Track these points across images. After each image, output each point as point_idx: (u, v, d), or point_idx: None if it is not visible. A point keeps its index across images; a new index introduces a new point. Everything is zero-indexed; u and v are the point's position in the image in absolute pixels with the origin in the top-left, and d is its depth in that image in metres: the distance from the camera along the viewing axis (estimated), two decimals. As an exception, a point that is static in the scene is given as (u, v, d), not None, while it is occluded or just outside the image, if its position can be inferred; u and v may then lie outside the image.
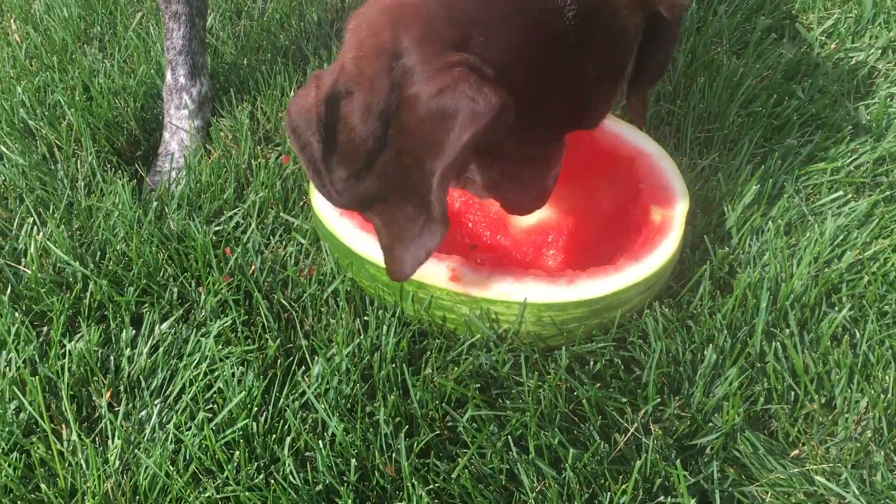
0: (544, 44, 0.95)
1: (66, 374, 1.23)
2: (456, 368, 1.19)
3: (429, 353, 1.23)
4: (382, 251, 1.06)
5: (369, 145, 0.95)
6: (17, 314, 1.31)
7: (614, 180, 1.38)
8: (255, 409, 1.16)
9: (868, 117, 1.53)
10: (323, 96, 0.95)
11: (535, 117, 1.00)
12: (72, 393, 1.22)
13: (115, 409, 1.22)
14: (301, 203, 1.51)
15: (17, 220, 1.48)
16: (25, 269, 1.39)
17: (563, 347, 1.20)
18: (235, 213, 1.49)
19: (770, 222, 1.36)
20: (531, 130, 1.02)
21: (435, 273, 1.20)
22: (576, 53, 0.97)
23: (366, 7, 0.97)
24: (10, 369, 1.24)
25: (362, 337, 1.24)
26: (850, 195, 1.42)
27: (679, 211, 1.26)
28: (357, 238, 1.27)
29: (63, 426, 1.19)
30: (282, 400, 1.19)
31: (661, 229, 1.25)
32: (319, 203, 1.33)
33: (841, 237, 1.34)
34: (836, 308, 1.25)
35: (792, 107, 1.56)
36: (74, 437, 1.16)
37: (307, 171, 1.01)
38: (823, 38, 1.72)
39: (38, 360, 1.27)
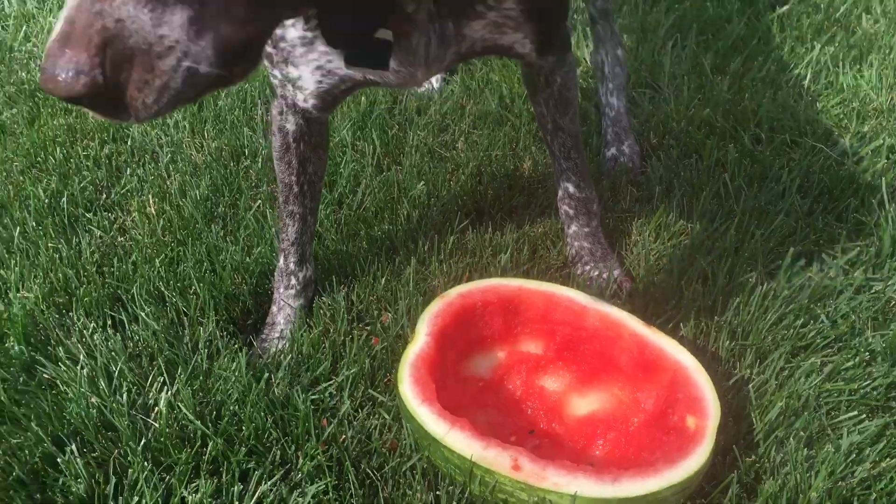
0: None
1: (186, 519, 1.48)
2: (513, 545, 1.41)
3: (490, 528, 1.45)
4: None
5: None
6: (146, 463, 1.57)
7: (657, 386, 1.62)
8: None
9: (883, 345, 1.75)
10: None
11: None
12: (189, 537, 1.46)
13: (225, 554, 1.45)
14: (386, 380, 1.77)
15: (150, 378, 1.76)
16: (154, 423, 1.66)
17: (606, 534, 1.41)
18: (330, 385, 1.75)
19: (792, 436, 1.57)
20: None
21: (499, 461, 1.43)
22: None
23: None
24: (139, 511, 1.49)
25: (435, 509, 1.47)
26: (864, 415, 1.63)
27: (711, 422, 1.49)
28: (435, 423, 1.51)
29: (180, 565, 1.43)
30: (365, 560, 1.41)
31: (695, 437, 1.47)
32: (405, 387, 1.59)
33: (854, 454, 1.54)
34: (846, 520, 1.45)
35: (816, 329, 1.80)
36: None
37: None
38: (847, 267, 1.97)
39: (161, 504, 1.52)
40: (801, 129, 2.40)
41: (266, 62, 1.55)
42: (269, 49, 1.52)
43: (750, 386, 1.68)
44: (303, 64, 1.52)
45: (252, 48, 1.03)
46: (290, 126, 1.73)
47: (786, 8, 2.96)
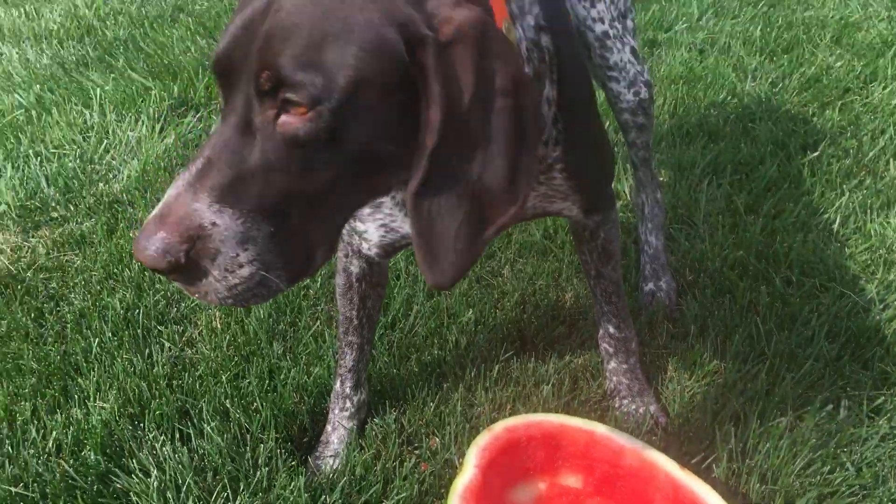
0: None
1: None
2: None
3: None
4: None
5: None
6: (210, 575, 1.69)
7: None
8: None
9: (908, 495, 1.84)
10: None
11: None
12: None
13: None
14: (433, 505, 1.89)
15: (214, 493, 1.90)
16: (219, 536, 1.79)
17: None
18: (381, 507, 1.88)
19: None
20: None
21: None
22: None
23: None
24: None
25: None
26: (888, 565, 1.71)
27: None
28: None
29: None
30: None
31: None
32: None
33: None
34: None
35: (842, 476, 1.89)
36: None
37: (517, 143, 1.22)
38: (872, 415, 2.07)
39: None
40: (830, 273, 2.54)
41: None
42: None
43: (778, 530, 1.78)
44: (369, 221, 1.70)
45: (328, 249, 1.20)
46: (354, 268, 1.90)
47: (816, 154, 3.13)
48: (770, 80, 3.71)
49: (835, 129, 3.32)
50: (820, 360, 2.22)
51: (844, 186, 2.97)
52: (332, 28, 1.09)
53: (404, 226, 1.66)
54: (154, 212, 1.12)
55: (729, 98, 3.59)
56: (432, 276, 1.18)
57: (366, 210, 1.66)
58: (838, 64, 3.81)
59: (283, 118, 1.10)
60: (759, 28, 4.13)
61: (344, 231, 1.78)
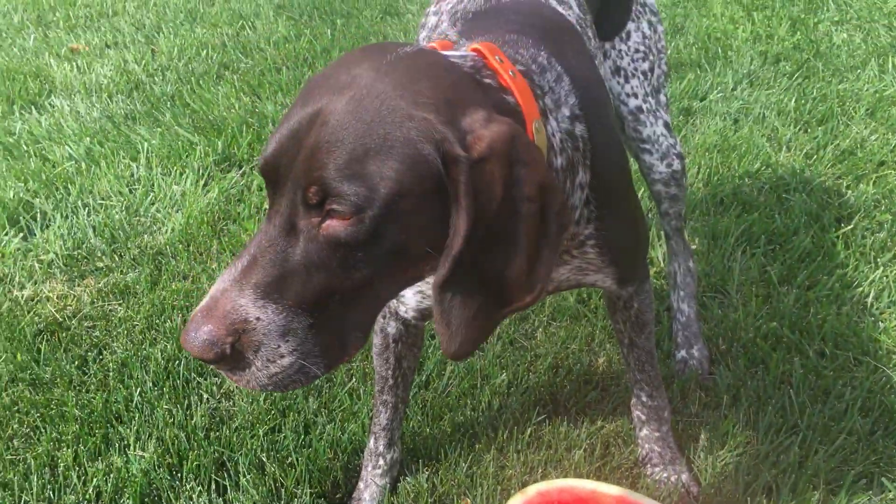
0: None
1: None
2: None
3: None
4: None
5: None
6: None
7: None
8: None
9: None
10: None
11: None
12: None
13: None
14: (464, 567, 1.90)
15: (249, 545, 1.93)
16: (252, 590, 1.81)
17: None
18: (412, 567, 1.89)
19: None
20: None
21: None
22: None
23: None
24: None
25: None
26: None
27: None
28: None
29: None
30: None
31: None
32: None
33: None
34: None
35: (876, 553, 1.89)
36: None
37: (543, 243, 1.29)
38: (908, 492, 2.06)
39: None
40: (864, 347, 2.54)
41: None
42: None
43: None
44: (407, 292, 1.75)
45: (362, 336, 1.28)
46: (391, 329, 1.95)
47: (850, 227, 3.15)
48: (804, 151, 3.74)
49: (869, 202, 3.34)
50: (853, 435, 2.22)
51: (879, 260, 2.98)
52: (374, 143, 1.18)
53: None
54: (201, 304, 1.20)
55: (763, 168, 3.63)
56: (447, 347, 1.26)
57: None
58: (873, 137, 3.84)
59: (327, 223, 1.19)
60: (794, 99, 4.18)
61: None
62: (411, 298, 1.77)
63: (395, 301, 1.81)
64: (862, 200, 3.34)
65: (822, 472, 2.11)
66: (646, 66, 2.38)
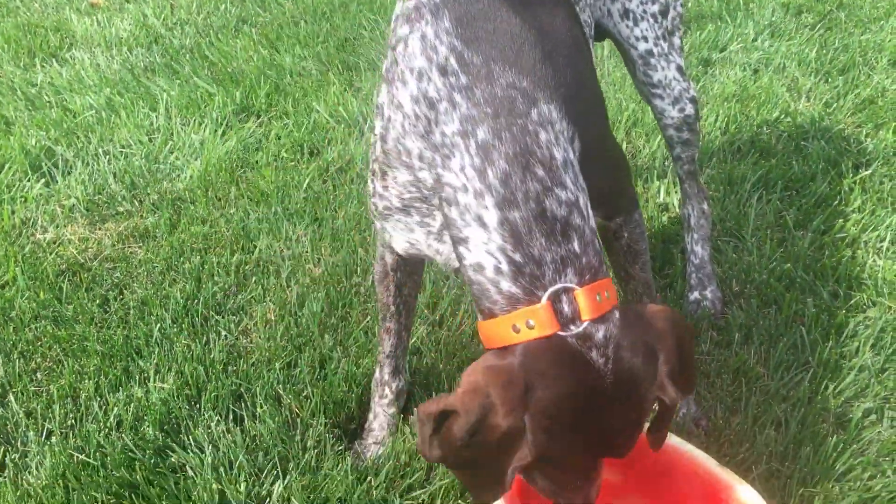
0: (585, 399, 1.39)
1: None
2: None
3: None
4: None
5: (457, 444, 1.38)
6: (259, 547, 1.77)
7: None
8: None
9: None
10: (440, 408, 1.39)
11: (568, 454, 1.43)
12: None
13: None
14: (474, 493, 1.94)
15: (265, 471, 1.97)
16: (268, 512, 1.87)
17: None
18: (424, 493, 1.93)
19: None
20: (566, 462, 1.46)
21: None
22: (607, 410, 1.41)
23: (479, 360, 1.44)
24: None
25: None
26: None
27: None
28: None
29: None
30: None
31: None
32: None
33: None
34: None
35: (883, 483, 1.90)
36: None
37: (419, 439, 1.45)
38: (918, 426, 2.08)
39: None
40: (879, 289, 2.54)
41: (373, 208, 1.79)
42: (369, 180, 1.76)
43: (817, 532, 1.80)
44: (398, 232, 1.76)
45: None
46: (388, 259, 1.97)
47: (868, 172, 3.13)
48: (824, 100, 3.70)
49: (888, 149, 3.30)
50: (864, 371, 2.23)
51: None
52: None
53: (428, 253, 1.74)
54: None
55: (782, 117, 3.60)
56: None
57: (400, 225, 1.73)
58: (894, 87, 3.80)
59: None
60: (815, 50, 4.13)
61: (377, 226, 1.82)
62: (400, 245, 1.78)
63: (386, 234, 1.81)
64: (881, 148, 3.31)
65: (832, 406, 2.12)
66: (656, 7, 2.35)
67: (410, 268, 2.01)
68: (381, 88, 1.65)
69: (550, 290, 1.37)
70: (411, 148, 1.57)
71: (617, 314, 1.41)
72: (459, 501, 1.90)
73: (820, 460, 1.96)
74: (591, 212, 1.48)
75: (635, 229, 1.97)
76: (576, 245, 1.41)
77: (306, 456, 2.02)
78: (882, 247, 2.76)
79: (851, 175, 3.14)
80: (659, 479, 1.86)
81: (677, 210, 3.00)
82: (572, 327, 1.37)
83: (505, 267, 1.40)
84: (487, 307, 1.44)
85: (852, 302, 2.49)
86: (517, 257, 1.39)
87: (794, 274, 2.60)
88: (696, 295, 2.58)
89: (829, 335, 2.36)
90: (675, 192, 3.06)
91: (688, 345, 1.51)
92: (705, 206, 2.63)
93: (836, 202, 2.97)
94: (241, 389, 2.23)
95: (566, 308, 1.37)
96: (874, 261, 2.69)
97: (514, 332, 1.38)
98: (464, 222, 1.45)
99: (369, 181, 1.75)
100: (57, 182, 3.27)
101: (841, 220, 2.87)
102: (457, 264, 1.58)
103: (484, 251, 1.43)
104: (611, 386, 1.38)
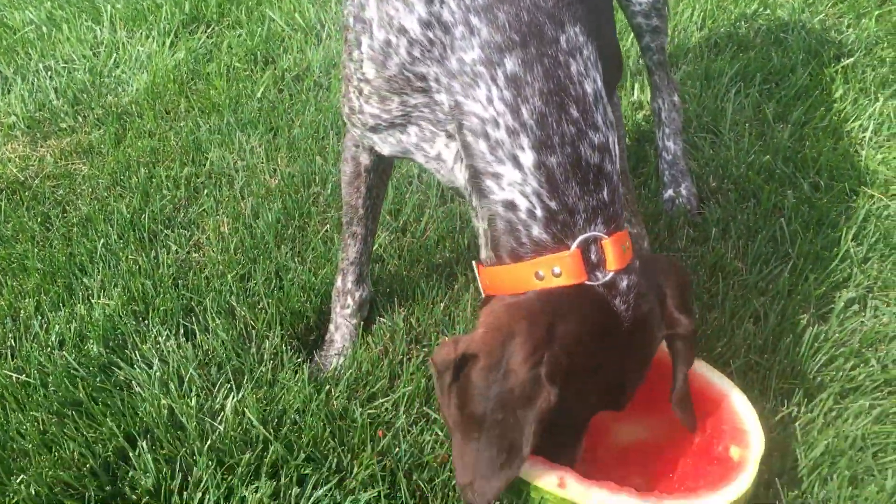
0: (604, 340, 1.35)
1: (245, 517, 1.56)
2: (556, 560, 1.45)
3: (534, 544, 1.50)
4: (461, 486, 1.39)
5: (479, 392, 1.33)
6: (210, 462, 1.66)
7: (703, 417, 1.65)
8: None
9: (935, 390, 1.76)
10: (459, 353, 1.34)
11: (578, 402, 1.39)
12: (247, 534, 1.55)
13: (280, 552, 1.53)
14: (440, 400, 1.84)
15: (217, 384, 1.86)
16: (220, 426, 1.76)
17: (647, 556, 1.45)
18: (387, 401, 1.83)
19: (837, 474, 1.59)
20: (571, 412, 1.40)
21: (546, 479, 1.48)
22: (624, 351, 1.38)
23: (495, 301, 1.38)
24: (202, 507, 1.58)
25: (481, 522, 1.52)
26: (912, 458, 1.64)
27: (755, 453, 1.51)
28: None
29: (238, 560, 1.51)
30: (412, 565, 1.47)
31: (739, 467, 1.50)
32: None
33: (899, 495, 1.55)
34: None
35: (866, 372, 1.81)
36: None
37: (437, 394, 1.40)
38: (902, 314, 1.98)
39: (222, 502, 1.60)
40: (861, 177, 2.43)
41: (346, 109, 1.66)
42: (352, 97, 1.62)
43: (797, 423, 1.71)
44: (387, 144, 1.64)
45: None
46: (364, 159, 1.83)
47: (850, 61, 2.99)
48: (804, -8, 3.55)
49: (871, 38, 3.16)
50: (847, 261, 2.13)
51: (880, 94, 2.83)
52: None
53: (417, 156, 1.61)
54: None
55: (760, 10, 3.43)
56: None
57: (391, 139, 1.62)
58: (876, -24, 3.64)
59: None
60: (794, -59, 3.95)
61: (356, 132, 1.70)
62: (384, 147, 1.66)
63: (368, 140, 1.68)
64: (863, 37, 3.16)
65: (813, 297, 2.03)
66: None
67: (384, 167, 1.88)
68: (367, 1, 1.50)
69: (580, 238, 1.34)
70: (426, 73, 1.46)
71: (637, 264, 1.40)
72: (424, 408, 1.80)
73: (800, 352, 1.86)
74: (618, 150, 1.43)
75: (615, 112, 1.85)
76: (605, 194, 1.37)
77: (262, 368, 1.90)
78: (865, 136, 2.64)
79: (833, 65, 3.00)
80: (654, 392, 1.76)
81: (646, 105, 2.86)
82: (598, 275, 1.35)
83: (539, 213, 1.36)
84: (511, 248, 1.39)
85: (834, 192, 2.38)
86: (553, 204, 1.35)
87: (774, 166, 2.49)
88: (670, 192, 2.46)
89: (810, 226, 2.25)
90: (645, 85, 2.91)
91: (688, 285, 1.52)
92: (676, 99, 2.49)
93: (817, 93, 2.84)
94: (193, 303, 2.10)
95: (593, 257, 1.35)
96: (856, 150, 2.57)
97: (537, 280, 1.35)
98: (494, 158, 1.39)
99: (352, 97, 1.61)
100: (-5, 100, 3.08)
101: (822, 111, 2.74)
102: (459, 183, 1.52)
103: (518, 192, 1.37)
104: (627, 331, 1.38)
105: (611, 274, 1.35)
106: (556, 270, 1.34)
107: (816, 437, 1.67)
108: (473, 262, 1.50)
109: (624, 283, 1.36)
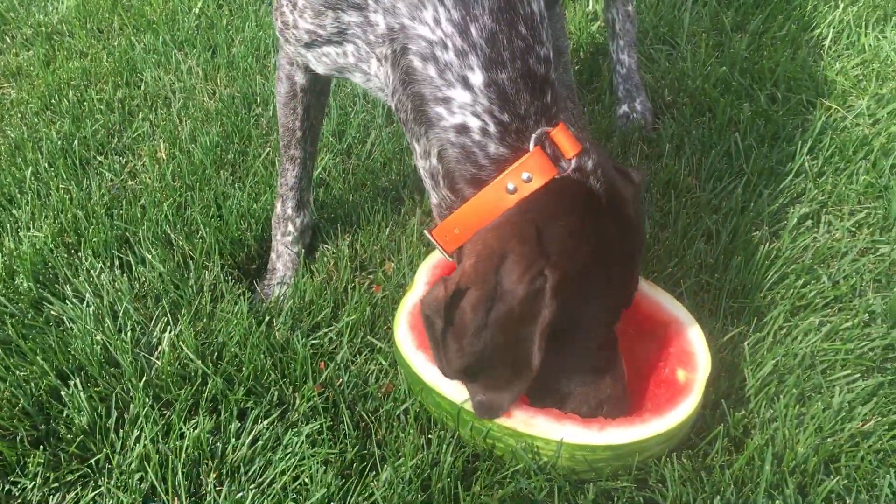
0: (594, 223, 1.32)
1: (183, 454, 1.51)
2: (501, 490, 1.43)
3: (479, 472, 1.48)
4: (476, 404, 1.41)
5: (476, 325, 1.29)
6: (147, 399, 1.61)
7: (651, 340, 1.62)
8: None
9: (884, 306, 1.74)
10: (449, 292, 1.29)
11: (587, 298, 1.33)
12: (185, 470, 1.50)
13: (219, 489, 1.49)
14: (385, 328, 1.79)
15: (154, 318, 1.80)
16: (157, 361, 1.70)
17: (592, 482, 1.43)
18: (330, 331, 1.78)
19: (784, 392, 1.58)
20: (588, 308, 1.35)
21: (491, 407, 1.44)
22: (613, 228, 1.34)
23: (482, 230, 1.32)
24: (138, 444, 1.53)
25: (425, 452, 1.49)
26: (859, 375, 1.62)
27: (701, 375, 1.49)
28: (428, 369, 1.53)
29: (175, 499, 1.47)
30: (354, 498, 1.44)
31: (684, 389, 1.48)
32: (400, 334, 1.60)
33: (845, 412, 1.54)
34: (833, 476, 1.45)
35: (817, 289, 1.79)
36: (186, 508, 1.43)
37: (430, 345, 1.36)
38: (854, 229, 1.95)
39: (160, 439, 1.55)
40: (819, 89, 2.37)
41: (280, 23, 1.55)
42: (285, 10, 1.51)
43: (746, 343, 1.69)
44: (321, 65, 1.56)
45: None
46: (299, 79, 1.73)
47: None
48: None
49: (833, -57, 3.06)
50: (801, 176, 2.08)
51: (840, 1, 2.75)
52: None
53: (355, 75, 1.53)
54: None
55: (720, -86, 3.30)
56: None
57: (326, 59, 1.53)
58: None
59: None
60: None
61: (290, 49, 1.59)
62: (318, 66, 1.57)
63: (302, 58, 1.58)
64: (825, -59, 3.06)
65: (766, 213, 1.99)
66: None
67: (321, 87, 1.79)
68: None
69: (533, 136, 1.32)
70: None
71: (588, 143, 1.37)
72: (369, 337, 1.75)
73: (751, 270, 1.83)
74: (560, 61, 1.41)
75: (556, 24, 1.77)
76: (549, 98, 1.36)
77: (201, 300, 1.84)
78: (824, 45, 2.57)
79: (793, -29, 2.90)
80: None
81: (600, 16, 2.76)
82: (564, 165, 1.32)
83: (493, 128, 1.32)
84: (471, 175, 1.34)
85: (791, 105, 2.32)
86: (505, 118, 1.32)
87: (730, 78, 2.41)
88: (624, 108, 2.39)
89: (765, 140, 2.20)
90: (605, -2, 2.80)
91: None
92: (630, 8, 2.39)
93: (776, 0, 2.75)
94: (128, 234, 2.02)
95: (549, 151, 1.32)
96: (815, 60, 2.51)
97: (510, 194, 1.31)
98: (444, 81, 1.33)
99: (285, 10, 1.51)
100: (-86, 20, 2.90)
101: (781, 19, 2.66)
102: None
103: (470, 112, 1.33)
104: (606, 206, 1.35)
105: (574, 159, 1.32)
106: (526, 176, 1.30)
107: (765, 355, 1.65)
108: (425, 231, 1.46)
109: (590, 163, 1.34)
